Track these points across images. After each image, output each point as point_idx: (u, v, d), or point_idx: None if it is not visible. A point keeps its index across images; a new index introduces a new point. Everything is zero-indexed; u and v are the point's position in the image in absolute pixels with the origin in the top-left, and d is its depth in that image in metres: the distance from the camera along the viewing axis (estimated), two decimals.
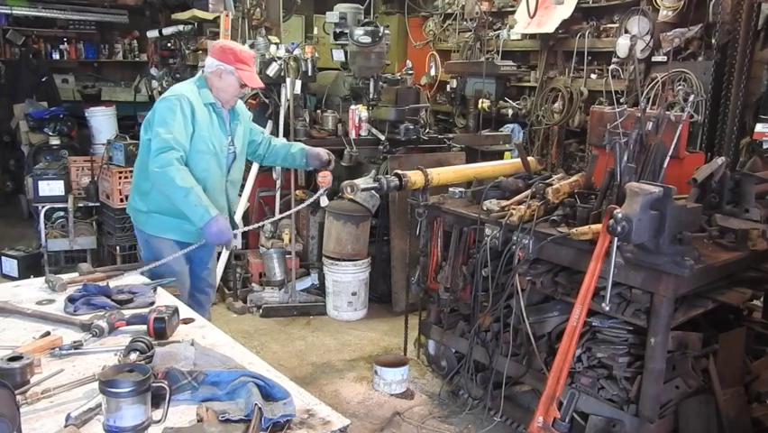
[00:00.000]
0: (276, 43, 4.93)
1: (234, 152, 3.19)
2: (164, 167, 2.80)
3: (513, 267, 3.07)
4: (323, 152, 3.28)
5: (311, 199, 3.40)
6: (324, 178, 3.24)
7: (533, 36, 6.07)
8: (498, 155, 5.13)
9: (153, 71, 7.68)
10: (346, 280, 4.61)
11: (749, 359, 3.22)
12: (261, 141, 3.39)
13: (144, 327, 2.04)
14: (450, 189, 3.69)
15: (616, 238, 2.52)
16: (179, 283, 3.15)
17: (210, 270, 3.43)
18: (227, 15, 5.14)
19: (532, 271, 3.06)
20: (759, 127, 4.17)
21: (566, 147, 5.97)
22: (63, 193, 5.17)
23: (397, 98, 5.01)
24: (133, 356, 1.83)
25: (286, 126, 4.82)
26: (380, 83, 5.15)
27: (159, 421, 1.53)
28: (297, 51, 4.82)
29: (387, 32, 5.19)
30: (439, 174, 3.56)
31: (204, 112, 3.02)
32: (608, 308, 2.68)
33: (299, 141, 4.39)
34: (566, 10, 5.59)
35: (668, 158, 2.95)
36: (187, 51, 6.73)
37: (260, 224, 3.67)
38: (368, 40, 5.02)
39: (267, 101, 4.91)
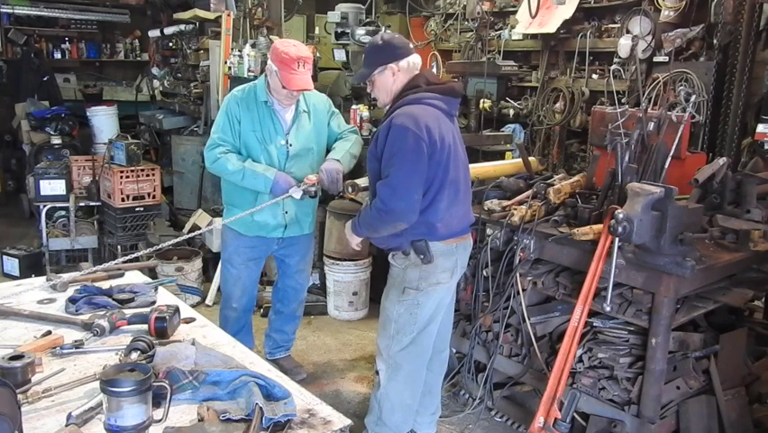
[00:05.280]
0: None
1: (288, 150, 3.22)
2: (213, 162, 3.17)
3: (514, 267, 3.07)
4: (323, 173, 3.19)
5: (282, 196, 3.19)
6: (311, 178, 3.17)
7: (534, 36, 6.06)
8: (500, 155, 5.11)
9: (155, 71, 7.70)
10: (347, 280, 4.61)
11: (750, 360, 3.22)
12: (338, 135, 3.42)
13: (145, 327, 2.05)
14: None
15: (617, 239, 2.52)
16: (239, 284, 3.42)
17: (303, 272, 3.66)
18: (229, 15, 5.14)
19: (533, 271, 3.06)
20: (760, 128, 4.16)
21: (567, 147, 5.97)
22: (64, 192, 5.19)
23: None
24: (134, 356, 1.83)
25: None
26: None
27: (160, 421, 1.54)
28: None
29: (388, 31, 5.18)
30: None
31: (256, 109, 3.16)
32: (609, 309, 2.69)
33: None
34: (567, 10, 5.58)
35: (669, 158, 2.95)
36: (188, 51, 6.72)
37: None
38: (369, 39, 5.02)
39: None
